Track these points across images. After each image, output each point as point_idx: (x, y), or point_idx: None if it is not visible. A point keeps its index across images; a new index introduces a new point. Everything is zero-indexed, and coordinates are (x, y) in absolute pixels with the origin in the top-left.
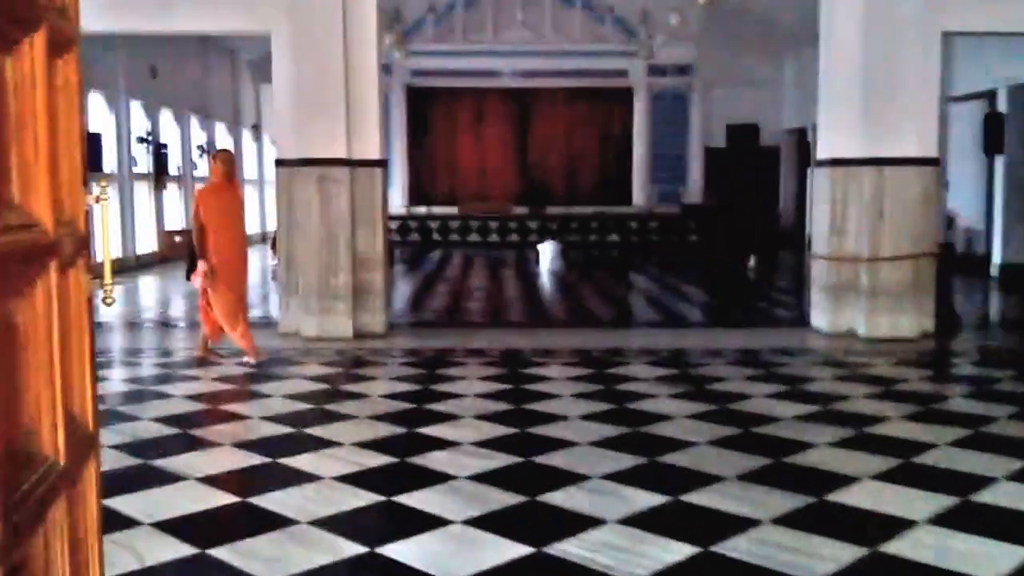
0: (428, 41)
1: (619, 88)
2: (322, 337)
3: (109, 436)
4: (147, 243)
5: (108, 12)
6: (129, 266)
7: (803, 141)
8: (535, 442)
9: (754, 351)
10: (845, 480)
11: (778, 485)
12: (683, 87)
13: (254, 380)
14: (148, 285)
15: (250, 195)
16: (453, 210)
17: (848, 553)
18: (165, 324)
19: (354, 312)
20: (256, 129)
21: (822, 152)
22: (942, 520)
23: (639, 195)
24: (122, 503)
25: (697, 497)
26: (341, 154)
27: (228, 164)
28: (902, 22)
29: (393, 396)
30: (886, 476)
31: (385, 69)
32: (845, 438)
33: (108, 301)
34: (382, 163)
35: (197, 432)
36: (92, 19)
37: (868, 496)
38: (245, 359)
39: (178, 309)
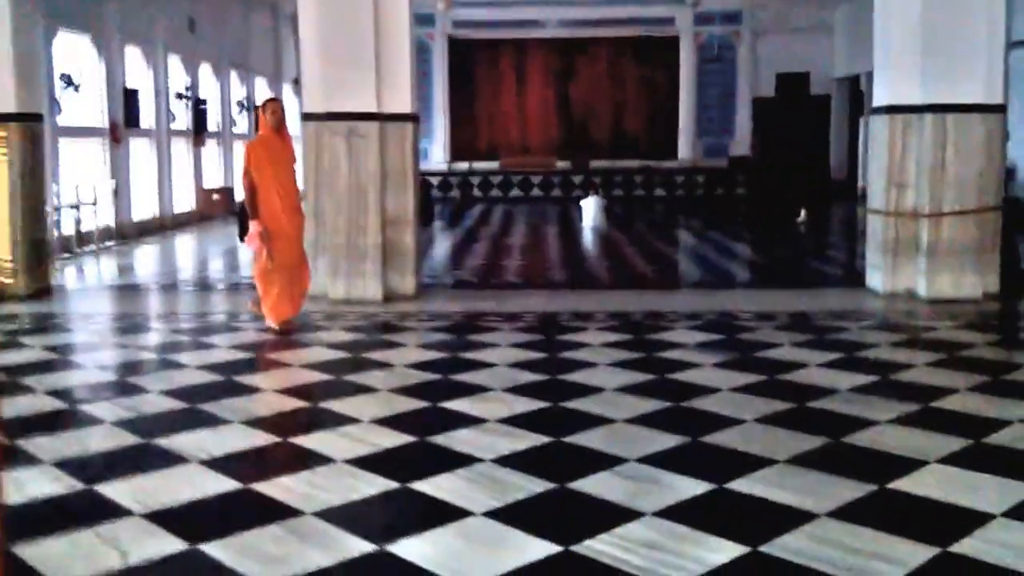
0: None
1: (665, 37)
2: (350, 300)
3: (112, 411)
4: (185, 201)
5: None
6: (166, 224)
7: (855, 90)
8: (567, 418)
9: (806, 314)
10: (910, 464)
11: (835, 470)
12: (731, 36)
13: (274, 348)
14: (184, 244)
15: None
16: (495, 165)
17: (917, 554)
18: (197, 286)
19: (384, 274)
20: (297, 84)
21: (879, 99)
22: (1021, 513)
23: (685, 148)
24: (112, 490)
25: (745, 485)
26: (370, 108)
27: (278, 114)
28: None
29: (419, 366)
30: (956, 459)
31: (427, 20)
32: (908, 414)
33: None
34: (414, 117)
35: (206, 407)
36: None
37: (936, 484)
38: (267, 324)
39: (213, 270)
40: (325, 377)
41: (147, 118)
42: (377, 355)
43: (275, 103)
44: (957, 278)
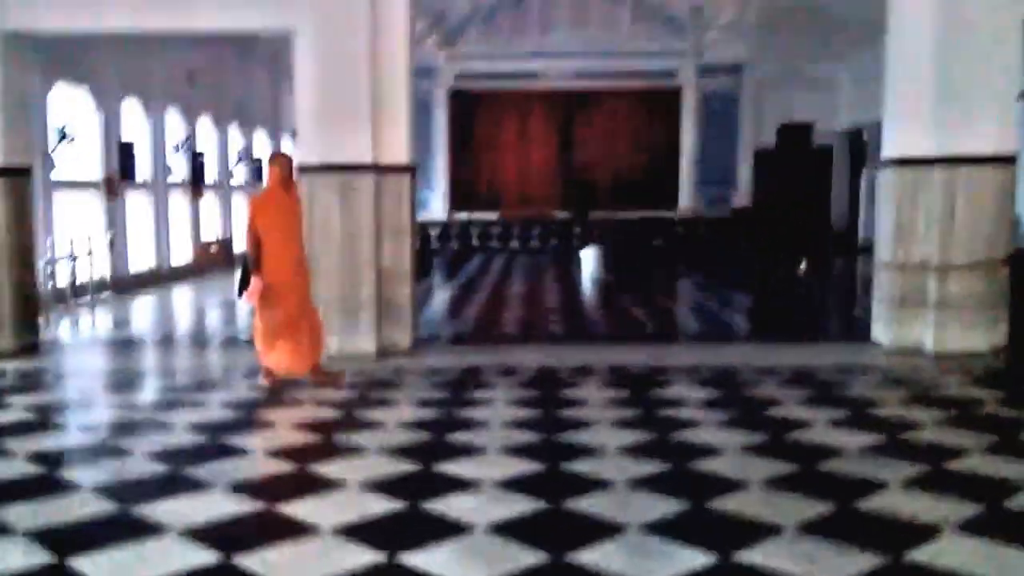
0: (473, 43)
1: (667, 89)
2: (344, 355)
3: (93, 476)
4: (183, 253)
5: (128, 10)
6: (163, 276)
7: (858, 142)
8: (565, 481)
9: (811, 370)
10: (925, 532)
11: (847, 538)
12: (733, 87)
13: (264, 407)
14: (181, 297)
15: None
16: (494, 215)
17: None
18: (191, 341)
19: (379, 328)
20: (297, 135)
21: (888, 150)
22: None
23: (686, 198)
24: (87, 563)
25: (752, 557)
26: (366, 160)
27: (285, 168)
28: (977, 10)
29: (412, 425)
30: (973, 527)
31: (428, 72)
32: (920, 476)
33: None
34: (410, 169)
35: (191, 471)
36: (112, 17)
37: (955, 553)
38: (260, 381)
39: (208, 323)
40: (315, 438)
41: (144, 170)
42: (370, 413)
43: (283, 157)
44: (965, 332)
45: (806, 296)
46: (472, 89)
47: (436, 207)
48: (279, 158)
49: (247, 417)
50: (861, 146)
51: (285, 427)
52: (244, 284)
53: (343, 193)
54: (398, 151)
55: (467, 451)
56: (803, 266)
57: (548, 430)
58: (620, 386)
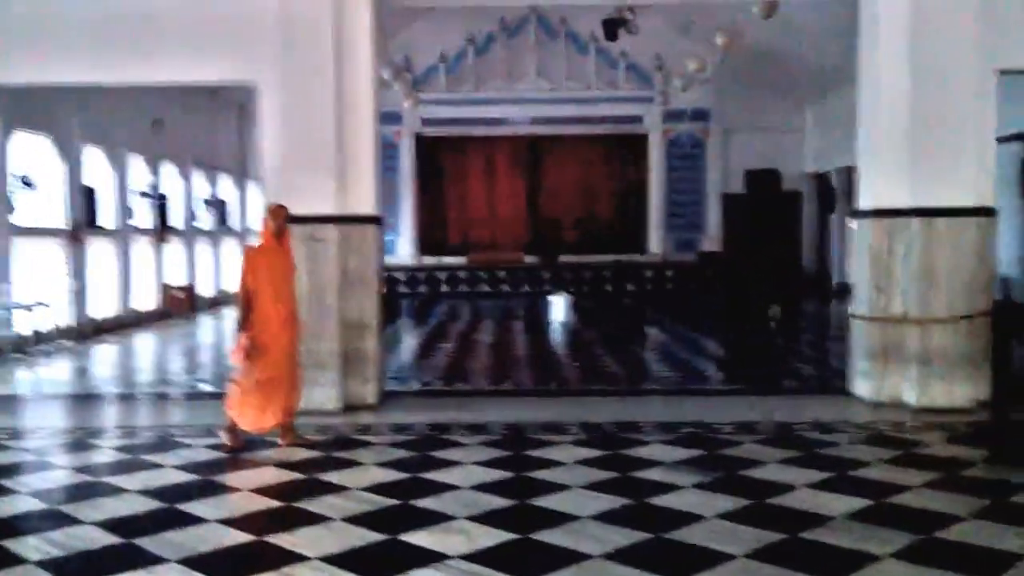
0: (439, 90)
1: (634, 135)
2: (307, 410)
3: (39, 549)
4: (147, 299)
5: (90, 63)
6: (127, 323)
7: (825, 187)
8: (536, 553)
9: (789, 425)
10: None
11: None
12: (700, 133)
13: (219, 469)
14: (144, 344)
15: None
16: (463, 260)
17: None
18: (151, 393)
19: (343, 381)
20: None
21: (864, 202)
22: None
23: (655, 243)
24: None
25: None
26: (330, 210)
27: (279, 220)
28: (953, 61)
29: (376, 489)
30: None
31: (395, 118)
32: (911, 545)
33: None
34: (376, 220)
35: (143, 543)
36: (77, 71)
37: None
38: (221, 436)
39: (171, 373)
40: (274, 504)
41: (108, 216)
42: (332, 476)
43: (280, 209)
44: (948, 387)
45: (779, 344)
46: (438, 135)
47: (403, 252)
48: (276, 209)
49: (205, 481)
50: (829, 189)
51: (244, 492)
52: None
53: (308, 245)
54: (364, 201)
55: (433, 519)
56: (775, 312)
57: (519, 495)
58: (593, 445)
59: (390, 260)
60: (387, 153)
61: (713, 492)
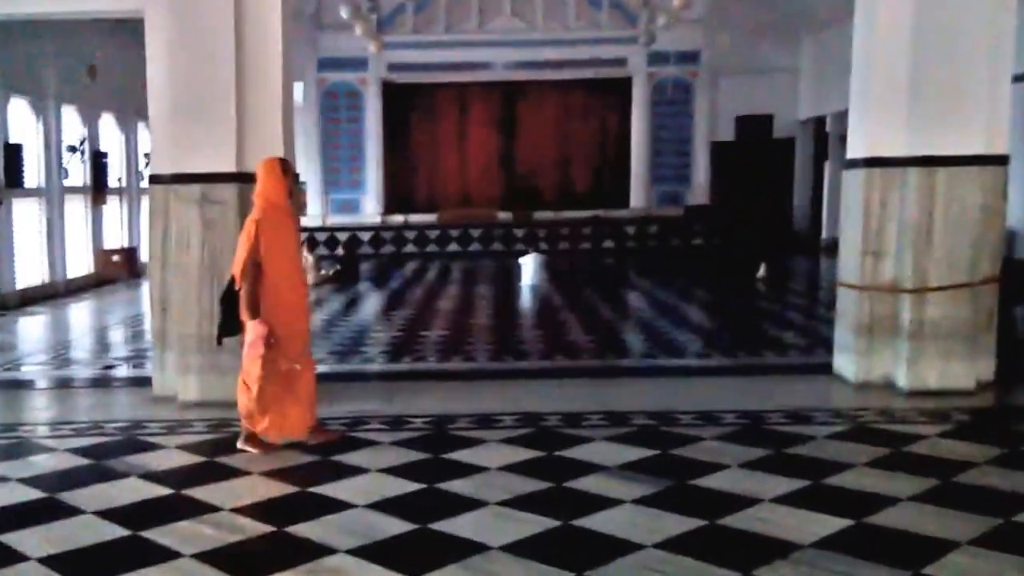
0: (407, 32)
1: (617, 79)
2: (206, 401)
3: None
4: (81, 265)
5: None
6: (58, 292)
7: (820, 132)
8: None
9: (761, 415)
10: None
11: None
12: (687, 76)
13: (73, 482)
14: (78, 313)
15: None
16: (432, 218)
17: None
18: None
19: None
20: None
21: (854, 149)
22: None
23: (638, 196)
24: None
25: None
26: (228, 167)
27: (291, 178)
28: None
29: (253, 509)
30: None
31: (359, 64)
32: None
33: None
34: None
35: None
36: None
37: None
38: (248, 449)
39: (111, 347)
40: (122, 533)
41: (35, 175)
42: (205, 491)
43: (287, 164)
44: (945, 366)
45: (763, 307)
46: (406, 81)
47: (369, 209)
48: (281, 164)
49: (42, 501)
50: (824, 137)
51: (88, 514)
52: (228, 328)
53: (202, 208)
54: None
55: (311, 552)
56: (762, 271)
57: (422, 515)
58: (526, 443)
59: (355, 219)
60: (351, 102)
61: (656, 508)
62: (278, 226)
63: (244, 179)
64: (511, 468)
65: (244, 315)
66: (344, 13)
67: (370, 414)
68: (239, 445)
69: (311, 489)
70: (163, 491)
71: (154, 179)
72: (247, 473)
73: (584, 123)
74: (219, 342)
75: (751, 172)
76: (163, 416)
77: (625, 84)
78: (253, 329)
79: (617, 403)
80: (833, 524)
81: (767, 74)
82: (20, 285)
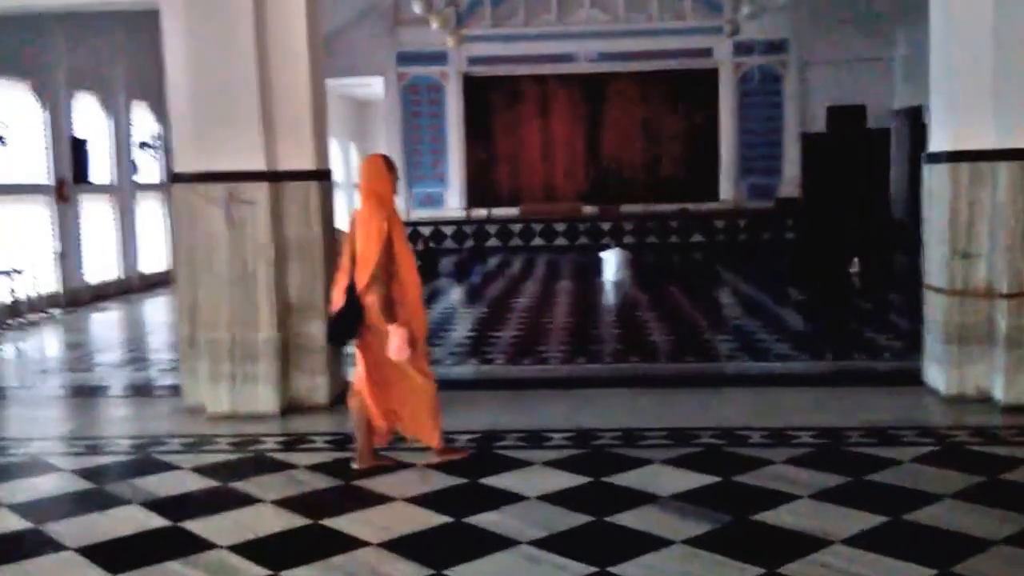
0: (487, 25)
1: (703, 70)
2: (237, 414)
3: None
4: (157, 261)
5: None
6: (132, 287)
7: (917, 122)
8: None
9: (840, 432)
10: None
11: None
12: (776, 66)
13: (65, 511)
14: (149, 311)
15: None
16: (515, 211)
17: None
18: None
19: (284, 377)
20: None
21: (936, 143)
22: None
23: (727, 189)
24: None
25: None
26: (257, 165)
27: (395, 174)
28: None
29: (252, 547)
30: None
31: (439, 58)
32: None
33: None
34: (321, 175)
35: None
36: None
37: None
38: (440, 458)
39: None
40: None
41: (103, 171)
42: (204, 525)
43: (391, 159)
44: None
45: (856, 305)
46: (487, 75)
47: (452, 203)
48: (384, 161)
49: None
50: (921, 127)
51: (68, 551)
52: (342, 333)
53: (229, 209)
54: (303, 154)
55: None
56: (855, 267)
57: (437, 559)
58: (574, 467)
59: (438, 213)
60: (432, 96)
61: (710, 551)
62: (399, 224)
63: (276, 177)
64: (552, 498)
65: (379, 319)
66: (417, 8)
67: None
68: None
69: (323, 521)
70: (160, 523)
71: (177, 178)
72: (257, 501)
73: (670, 115)
74: (338, 345)
75: (844, 164)
76: (188, 430)
77: (711, 75)
78: (399, 335)
79: (683, 417)
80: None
81: (858, 63)
82: (94, 281)
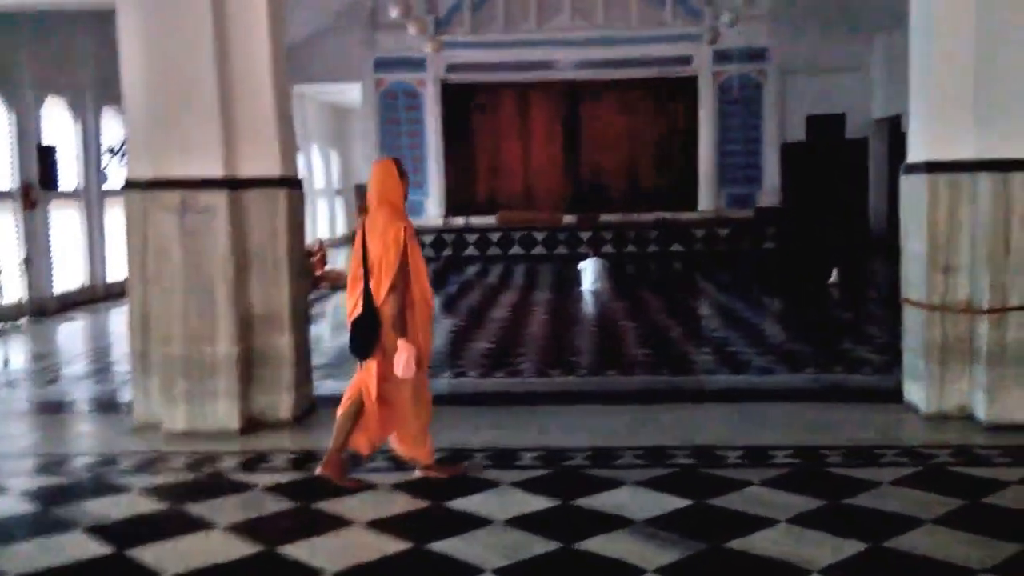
0: (465, 32)
1: (683, 78)
2: (194, 431)
3: None
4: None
5: None
6: (98, 296)
7: (897, 132)
8: None
9: (818, 452)
10: None
11: None
12: (755, 74)
13: (4, 538)
14: (110, 322)
15: None
16: (494, 220)
17: None
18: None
19: (244, 395)
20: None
21: (915, 153)
22: None
23: (707, 198)
24: None
25: None
26: (215, 172)
27: (406, 180)
28: None
29: None
30: None
31: (417, 64)
32: None
33: None
34: (289, 182)
35: None
36: None
37: None
38: (428, 474)
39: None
40: None
41: (72, 177)
42: (154, 551)
43: (402, 164)
44: None
45: (834, 317)
46: (466, 82)
47: (431, 211)
48: (396, 166)
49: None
50: (900, 136)
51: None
52: (366, 345)
53: (185, 217)
54: (268, 160)
55: None
56: (834, 277)
57: None
58: (543, 489)
59: (416, 222)
60: (410, 103)
61: None
62: (412, 233)
63: (237, 184)
64: (519, 522)
65: (388, 334)
66: (393, 13)
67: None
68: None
69: (280, 550)
70: (103, 550)
71: (130, 184)
72: (210, 526)
73: (650, 123)
74: (362, 357)
75: (823, 173)
76: (143, 448)
77: (691, 83)
78: (407, 350)
79: (658, 435)
80: None
81: (838, 72)
82: (61, 289)
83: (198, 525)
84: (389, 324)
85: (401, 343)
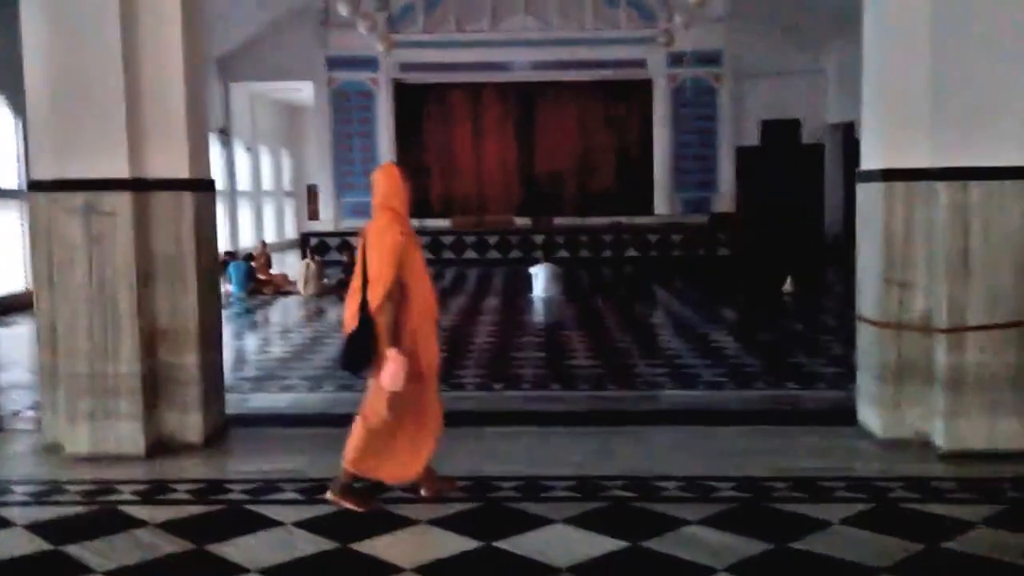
0: (418, 31)
1: (637, 80)
2: (97, 454)
3: None
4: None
5: None
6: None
7: (851, 137)
8: None
9: (764, 484)
10: None
11: None
12: (710, 78)
13: None
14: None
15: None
16: (446, 223)
17: None
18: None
19: (153, 413)
20: (224, 134)
21: (869, 160)
22: None
23: (662, 203)
24: None
25: None
26: (119, 172)
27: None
28: None
29: None
30: None
31: (370, 63)
32: None
33: None
34: (198, 184)
35: None
36: None
37: None
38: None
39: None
40: None
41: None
42: None
43: (405, 168)
44: (991, 422)
45: (788, 327)
46: (419, 82)
47: None
48: (399, 170)
49: None
50: (854, 141)
51: None
52: (359, 359)
53: (87, 221)
54: (176, 161)
55: None
56: (788, 285)
57: None
58: (462, 527)
59: (364, 225)
60: (363, 103)
61: None
62: (413, 241)
63: (141, 186)
64: (430, 570)
65: (382, 344)
66: (343, 10)
67: (289, 474)
68: (329, 497)
69: None
70: None
71: (34, 186)
72: (87, 572)
73: (605, 126)
74: (354, 372)
75: (778, 179)
76: (39, 475)
77: (646, 86)
78: (396, 360)
79: (594, 463)
80: None
81: (792, 76)
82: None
83: (75, 571)
84: (384, 335)
85: (391, 353)
